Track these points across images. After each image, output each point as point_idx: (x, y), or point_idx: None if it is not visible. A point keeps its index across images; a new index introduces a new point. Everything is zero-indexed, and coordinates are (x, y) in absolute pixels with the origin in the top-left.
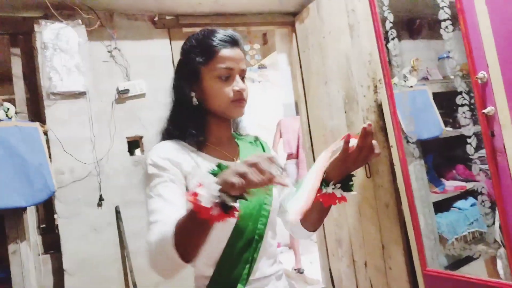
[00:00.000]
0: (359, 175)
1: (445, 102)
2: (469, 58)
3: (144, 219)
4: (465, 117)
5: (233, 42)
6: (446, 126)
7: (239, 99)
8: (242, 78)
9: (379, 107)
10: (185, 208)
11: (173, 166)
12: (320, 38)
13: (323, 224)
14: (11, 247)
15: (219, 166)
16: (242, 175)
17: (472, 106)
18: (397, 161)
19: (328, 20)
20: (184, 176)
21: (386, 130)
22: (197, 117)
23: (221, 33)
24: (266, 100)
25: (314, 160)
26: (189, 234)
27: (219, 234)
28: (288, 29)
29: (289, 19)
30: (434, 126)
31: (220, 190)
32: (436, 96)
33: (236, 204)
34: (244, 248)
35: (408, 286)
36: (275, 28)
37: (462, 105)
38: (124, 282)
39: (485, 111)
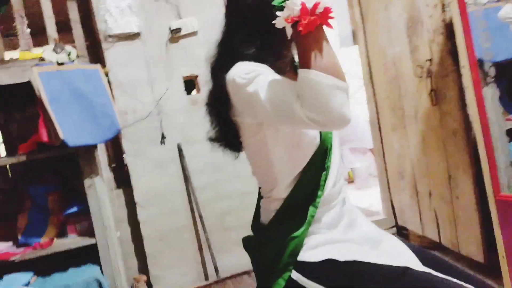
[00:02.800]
0: (423, 103)
1: None
2: None
3: (205, 157)
4: None
5: None
6: None
7: None
8: None
9: (448, 27)
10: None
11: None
12: None
13: (384, 156)
14: (86, 182)
15: None
16: None
17: None
18: (469, 83)
19: None
20: None
21: (455, 53)
22: (284, 39)
23: None
24: None
25: (373, 91)
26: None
27: (304, 153)
28: None
29: None
30: (510, 47)
31: None
32: None
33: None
34: (323, 156)
35: (476, 214)
36: None
37: None
38: (190, 213)
39: None
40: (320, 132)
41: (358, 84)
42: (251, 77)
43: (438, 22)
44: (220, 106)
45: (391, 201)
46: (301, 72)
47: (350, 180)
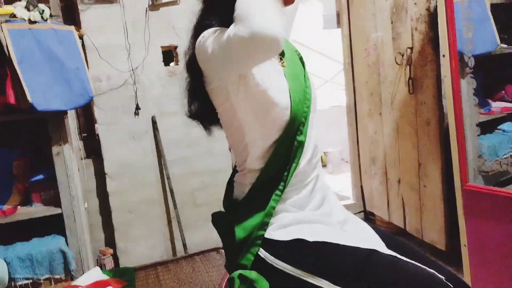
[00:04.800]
0: (400, 91)
1: (504, 15)
2: None
3: (179, 131)
4: None
5: None
6: (501, 42)
7: None
8: None
9: (431, 16)
10: None
11: None
12: None
13: (358, 142)
14: (54, 149)
15: None
16: None
17: None
18: (448, 73)
19: None
20: None
21: (436, 42)
22: None
23: None
24: (305, 12)
25: (353, 75)
26: None
27: (275, 123)
28: None
29: None
30: (489, 40)
31: None
32: (494, 8)
33: None
34: (296, 132)
35: (442, 204)
36: None
37: None
38: (161, 188)
39: None
40: (291, 105)
41: (337, 68)
42: (210, 33)
43: (423, 10)
44: (194, 75)
45: (361, 187)
46: None
47: (323, 164)
